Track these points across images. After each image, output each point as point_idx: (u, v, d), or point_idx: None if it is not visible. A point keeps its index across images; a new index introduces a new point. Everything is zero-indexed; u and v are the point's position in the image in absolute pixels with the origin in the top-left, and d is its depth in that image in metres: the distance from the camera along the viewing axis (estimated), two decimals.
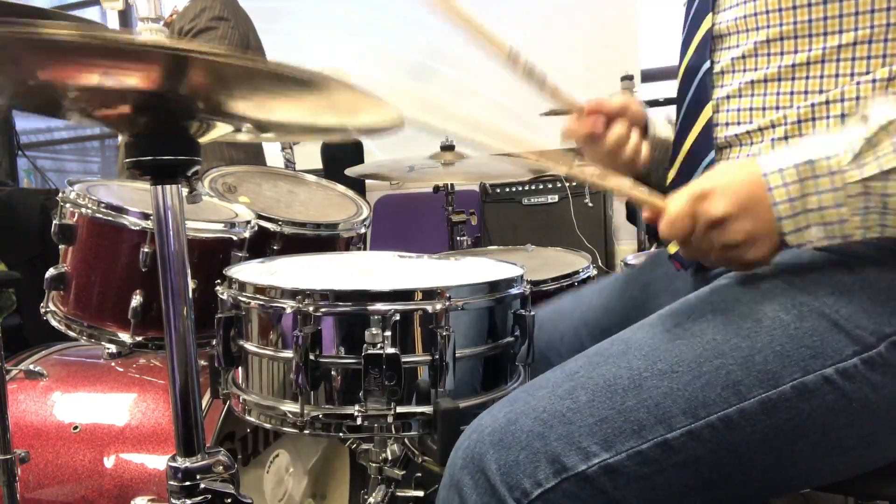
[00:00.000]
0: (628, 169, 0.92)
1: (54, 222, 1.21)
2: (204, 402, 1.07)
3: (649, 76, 3.16)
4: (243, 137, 0.80)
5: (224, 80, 0.61)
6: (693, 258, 0.71)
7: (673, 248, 0.84)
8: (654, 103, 2.22)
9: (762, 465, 0.67)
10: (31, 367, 1.23)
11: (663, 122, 0.98)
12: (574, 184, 3.01)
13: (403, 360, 0.77)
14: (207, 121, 0.69)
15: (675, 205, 0.68)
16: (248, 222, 1.28)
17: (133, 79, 0.59)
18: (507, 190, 3.15)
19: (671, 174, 0.88)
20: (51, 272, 1.23)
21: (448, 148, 1.76)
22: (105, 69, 0.57)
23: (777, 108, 0.76)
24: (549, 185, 3.08)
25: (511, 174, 2.34)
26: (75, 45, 0.50)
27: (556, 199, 3.07)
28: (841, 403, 0.65)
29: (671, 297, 0.84)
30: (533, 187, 3.10)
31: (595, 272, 1.49)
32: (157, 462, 1.08)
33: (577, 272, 1.43)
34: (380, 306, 0.78)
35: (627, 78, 2.31)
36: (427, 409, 0.79)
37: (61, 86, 0.61)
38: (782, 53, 0.75)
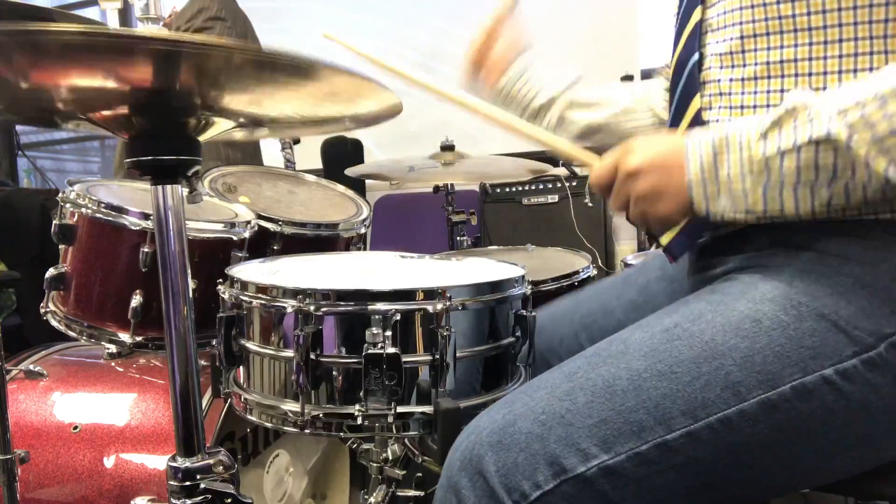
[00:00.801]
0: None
1: (54, 222, 1.21)
2: (204, 402, 1.07)
3: (649, 76, 3.15)
4: (243, 134, 0.79)
5: (217, 71, 0.60)
6: (617, 209, 0.79)
7: (665, 241, 0.84)
8: None
9: (762, 466, 0.67)
10: (31, 367, 1.23)
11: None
12: (574, 183, 3.00)
13: (404, 359, 0.77)
14: (205, 117, 0.69)
15: (605, 158, 0.79)
16: (249, 222, 1.28)
17: (125, 74, 0.58)
18: (507, 190, 3.14)
19: None
20: (51, 272, 1.23)
21: (448, 148, 1.76)
22: (95, 66, 0.56)
23: (768, 105, 0.75)
24: (549, 185, 3.07)
25: (511, 174, 2.33)
26: (62, 42, 0.50)
27: (556, 199, 3.06)
28: (840, 404, 0.65)
29: (669, 299, 0.84)
30: (533, 187, 3.09)
31: (595, 272, 1.49)
32: (157, 462, 1.08)
33: (577, 272, 1.43)
34: (380, 306, 0.78)
35: (627, 78, 2.30)
36: (427, 408, 0.79)
37: (53, 88, 0.61)
38: (769, 49, 0.74)
